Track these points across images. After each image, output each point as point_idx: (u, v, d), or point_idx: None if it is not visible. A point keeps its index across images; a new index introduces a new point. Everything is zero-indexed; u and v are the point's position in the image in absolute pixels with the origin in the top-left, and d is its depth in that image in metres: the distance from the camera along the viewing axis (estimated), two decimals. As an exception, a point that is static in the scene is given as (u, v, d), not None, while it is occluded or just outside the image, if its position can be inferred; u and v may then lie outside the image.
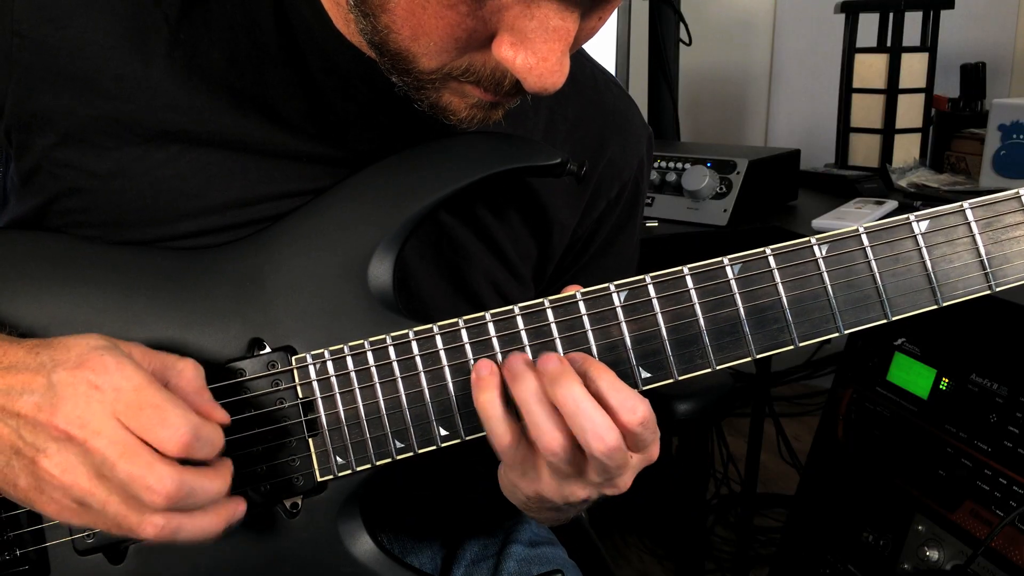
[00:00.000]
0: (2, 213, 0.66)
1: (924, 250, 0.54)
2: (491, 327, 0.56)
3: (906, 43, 1.62)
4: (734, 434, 2.25)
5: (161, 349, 0.57)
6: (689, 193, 1.37)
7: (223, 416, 0.52)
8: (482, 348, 0.56)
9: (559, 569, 0.78)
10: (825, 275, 0.54)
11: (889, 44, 1.63)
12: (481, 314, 0.56)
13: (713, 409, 0.91)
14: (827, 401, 1.33)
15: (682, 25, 1.76)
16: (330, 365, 0.57)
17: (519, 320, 0.55)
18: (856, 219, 1.31)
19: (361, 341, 0.56)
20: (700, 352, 0.55)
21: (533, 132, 0.68)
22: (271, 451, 0.57)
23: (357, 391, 0.56)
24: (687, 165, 1.39)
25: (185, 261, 0.59)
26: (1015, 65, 2.03)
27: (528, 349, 0.55)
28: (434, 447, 0.57)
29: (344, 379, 0.57)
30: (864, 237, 0.54)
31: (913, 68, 1.64)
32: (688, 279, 0.55)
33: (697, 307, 0.55)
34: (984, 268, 0.54)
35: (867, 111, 1.68)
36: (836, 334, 0.55)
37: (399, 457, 0.57)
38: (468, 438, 0.56)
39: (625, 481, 0.54)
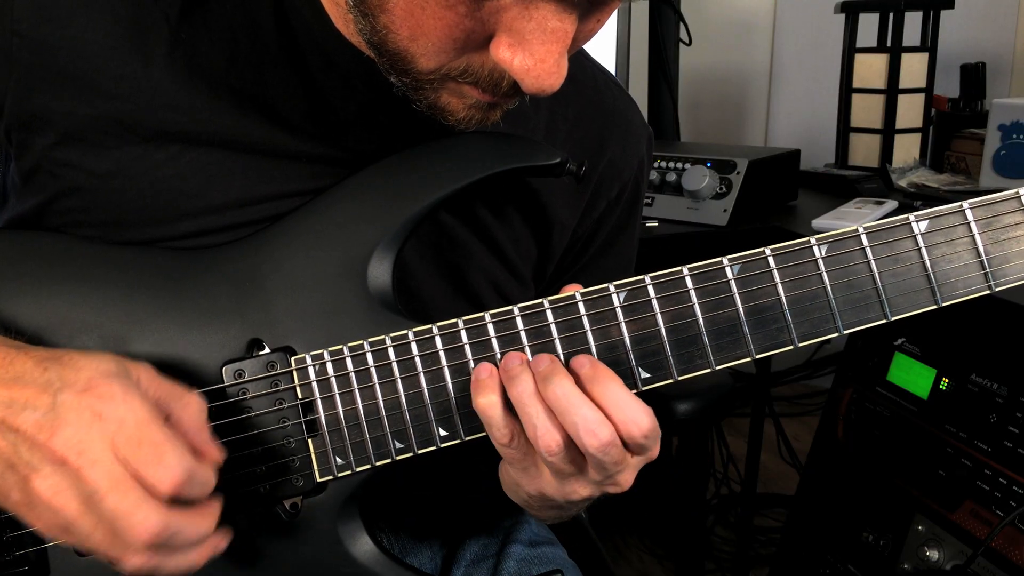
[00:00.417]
0: (2, 212, 0.66)
1: (924, 250, 0.54)
2: (491, 328, 0.55)
3: (906, 43, 1.62)
4: (734, 434, 2.25)
5: (161, 349, 0.57)
6: (689, 193, 1.37)
7: (218, 454, 0.52)
8: (482, 349, 0.56)
9: (559, 569, 0.78)
10: (825, 275, 0.54)
11: (889, 44, 1.63)
12: (481, 315, 0.56)
13: (713, 409, 0.91)
14: (827, 401, 1.33)
15: (682, 25, 1.76)
16: (329, 366, 0.57)
17: (519, 320, 0.55)
18: (856, 219, 1.31)
19: (360, 342, 0.56)
20: (700, 352, 0.55)
21: (534, 132, 0.68)
22: (271, 452, 0.57)
23: (356, 392, 0.56)
24: (687, 165, 1.39)
25: (185, 261, 0.59)
26: (1015, 65, 2.03)
27: (528, 349, 0.55)
28: (433, 448, 0.57)
29: (343, 380, 0.57)
30: (864, 237, 0.54)
31: (913, 68, 1.64)
32: (688, 279, 0.54)
33: (697, 307, 0.54)
34: (984, 268, 0.54)
35: (867, 111, 1.68)
36: (836, 334, 0.55)
37: (399, 458, 0.57)
38: (468, 439, 0.56)
39: (626, 479, 0.54)
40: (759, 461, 1.84)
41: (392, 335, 0.56)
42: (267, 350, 0.58)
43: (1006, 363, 1.07)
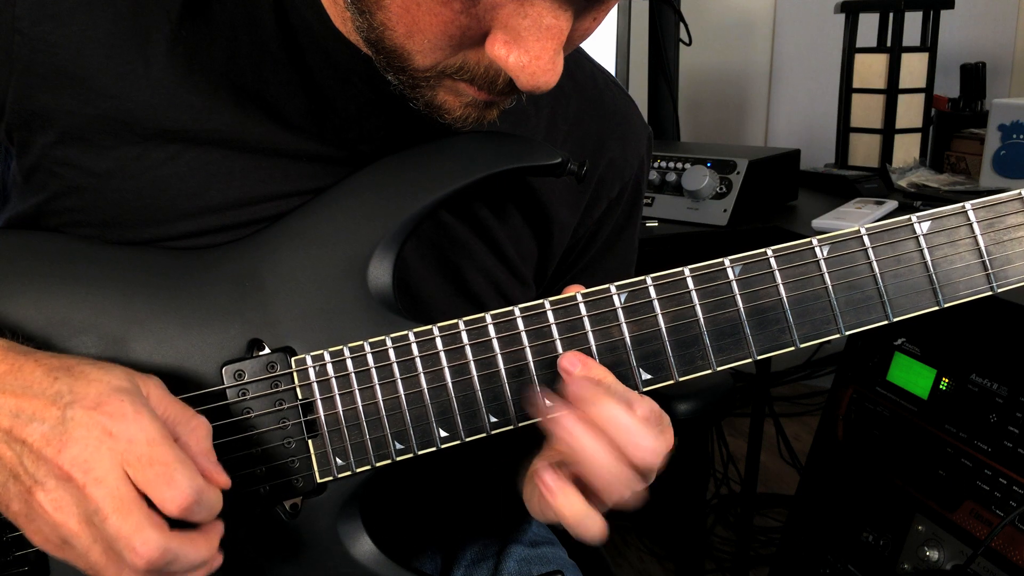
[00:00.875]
0: (2, 211, 0.66)
1: (926, 251, 0.54)
2: (491, 328, 0.55)
3: (906, 43, 1.62)
4: (734, 434, 2.25)
5: (160, 350, 0.57)
6: (689, 193, 1.37)
7: (225, 481, 0.52)
8: (482, 349, 0.55)
9: (559, 569, 0.78)
10: (826, 276, 0.54)
11: (889, 44, 1.63)
12: (481, 315, 0.55)
13: (713, 409, 0.90)
14: (827, 401, 1.33)
15: (682, 25, 1.76)
16: (329, 366, 0.57)
17: (519, 321, 0.55)
18: (856, 219, 1.31)
19: (361, 342, 0.56)
20: (701, 353, 0.55)
21: (534, 132, 0.68)
22: (271, 453, 0.57)
23: (357, 392, 0.56)
24: (687, 165, 1.39)
25: (184, 261, 0.59)
26: (1015, 65, 2.03)
27: (528, 350, 0.55)
28: (434, 448, 0.56)
29: (344, 380, 0.56)
30: (866, 238, 0.54)
31: (913, 68, 1.64)
32: (689, 280, 0.54)
33: (698, 308, 0.54)
34: (986, 269, 0.54)
35: (867, 111, 1.68)
36: (837, 335, 0.55)
37: (399, 458, 0.57)
38: (468, 439, 0.56)
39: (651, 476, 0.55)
40: (759, 461, 1.84)
41: (392, 335, 0.56)
42: (267, 350, 0.58)
43: (1006, 363, 1.07)
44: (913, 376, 1.18)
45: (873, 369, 1.25)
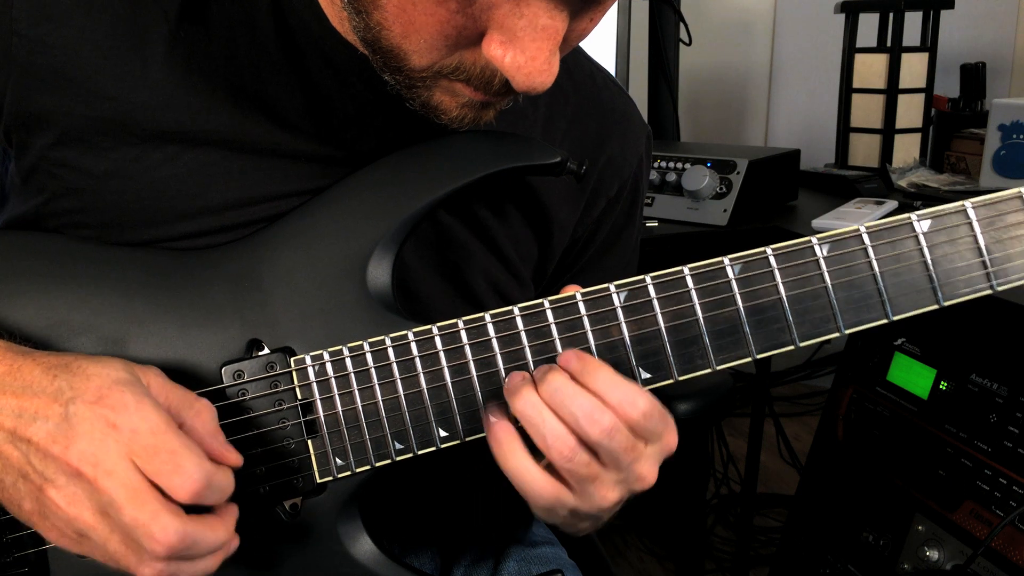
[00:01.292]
0: (1, 212, 0.66)
1: (926, 249, 0.54)
2: (491, 328, 0.55)
3: (906, 43, 1.62)
4: (734, 434, 2.25)
5: (159, 350, 0.57)
6: (689, 193, 1.37)
7: (236, 459, 0.52)
8: (482, 349, 0.55)
9: (559, 569, 0.78)
10: (826, 275, 0.54)
11: (889, 44, 1.63)
12: (481, 315, 0.55)
13: (713, 409, 0.90)
14: (827, 401, 1.33)
15: (682, 25, 1.76)
16: (329, 366, 0.57)
17: (519, 321, 0.55)
18: (856, 219, 1.31)
19: (360, 342, 0.56)
20: (700, 352, 0.55)
21: (532, 130, 0.67)
22: (270, 453, 0.57)
23: (356, 392, 0.56)
24: (687, 165, 1.39)
25: (183, 261, 0.59)
26: (1015, 65, 2.03)
27: (528, 350, 0.55)
28: (433, 448, 0.56)
29: (343, 380, 0.56)
30: (865, 237, 0.54)
31: (913, 68, 1.64)
32: (688, 279, 0.54)
33: (697, 307, 0.54)
34: (986, 268, 0.54)
35: (867, 111, 1.68)
36: (837, 334, 0.55)
37: (398, 458, 0.57)
38: (468, 439, 0.56)
39: (646, 470, 0.53)
40: (759, 461, 1.84)
41: (392, 335, 0.56)
42: (266, 350, 0.58)
43: (1006, 363, 1.07)
44: (913, 376, 1.18)
45: (873, 369, 1.24)
